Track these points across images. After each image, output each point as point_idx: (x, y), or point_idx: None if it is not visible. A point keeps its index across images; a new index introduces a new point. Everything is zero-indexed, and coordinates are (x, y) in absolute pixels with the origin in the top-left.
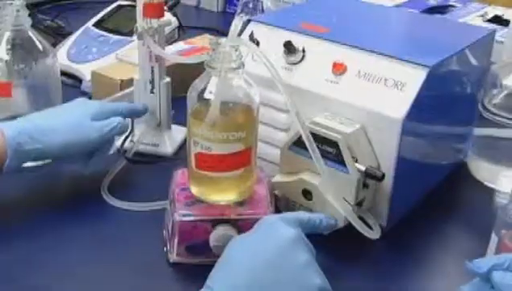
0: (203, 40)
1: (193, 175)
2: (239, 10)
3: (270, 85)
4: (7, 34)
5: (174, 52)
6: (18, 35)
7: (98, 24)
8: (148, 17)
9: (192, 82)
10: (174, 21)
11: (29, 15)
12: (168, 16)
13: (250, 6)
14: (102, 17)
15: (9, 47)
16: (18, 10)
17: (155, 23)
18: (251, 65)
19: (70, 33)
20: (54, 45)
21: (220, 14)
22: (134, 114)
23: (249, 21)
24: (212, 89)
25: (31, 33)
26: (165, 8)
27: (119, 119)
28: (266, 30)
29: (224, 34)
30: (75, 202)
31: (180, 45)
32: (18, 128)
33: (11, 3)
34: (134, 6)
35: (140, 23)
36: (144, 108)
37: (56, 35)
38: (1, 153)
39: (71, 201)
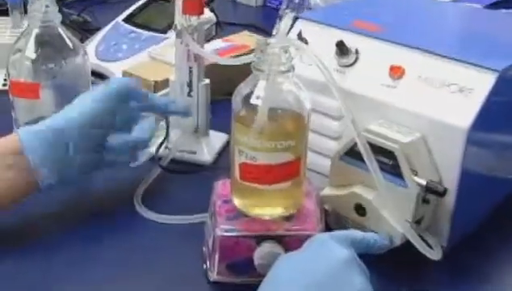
0: (243, 38)
1: (236, 187)
2: (284, 6)
3: (321, 89)
4: (35, 31)
5: (212, 51)
6: (46, 32)
7: (128, 19)
8: (187, 14)
9: (231, 83)
10: (212, 17)
11: (59, 11)
12: (207, 13)
13: (296, 1)
14: (133, 11)
15: (36, 45)
16: (47, 6)
17: (195, 20)
18: (300, 67)
19: (98, 29)
20: (81, 42)
21: (258, 8)
22: (169, 108)
23: (296, 18)
24: (260, 93)
25: (61, 30)
26: None
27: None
28: (316, 28)
29: (264, 31)
30: (106, 214)
31: (218, 43)
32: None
33: None
34: (167, 0)
35: (179, 20)
36: (186, 110)
37: (83, 31)
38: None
39: (101, 213)
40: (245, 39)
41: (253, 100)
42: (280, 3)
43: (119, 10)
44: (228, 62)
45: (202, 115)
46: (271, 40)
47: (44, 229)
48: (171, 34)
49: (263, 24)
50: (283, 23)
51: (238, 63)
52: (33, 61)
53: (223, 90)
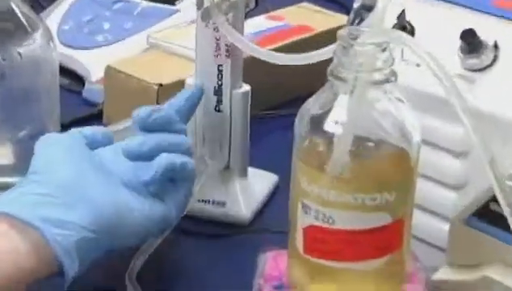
0: (300, 13)
1: (298, 264)
2: None
3: (433, 107)
4: None
5: (252, 36)
6: None
7: None
8: None
9: (281, 89)
10: None
11: None
12: None
13: None
14: None
15: None
16: None
17: None
18: (399, 69)
19: None
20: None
21: None
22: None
23: None
24: (340, 116)
25: (14, 3)
26: None
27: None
28: (427, 8)
29: (334, 2)
30: None
31: (260, 22)
32: None
33: None
34: None
35: None
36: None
37: None
38: None
39: None
40: (305, 15)
41: (328, 126)
42: None
43: None
44: (291, 62)
45: (237, 142)
46: (361, 31)
47: None
48: (184, 5)
49: None
50: (380, 3)
51: (306, 62)
52: None
53: (268, 101)
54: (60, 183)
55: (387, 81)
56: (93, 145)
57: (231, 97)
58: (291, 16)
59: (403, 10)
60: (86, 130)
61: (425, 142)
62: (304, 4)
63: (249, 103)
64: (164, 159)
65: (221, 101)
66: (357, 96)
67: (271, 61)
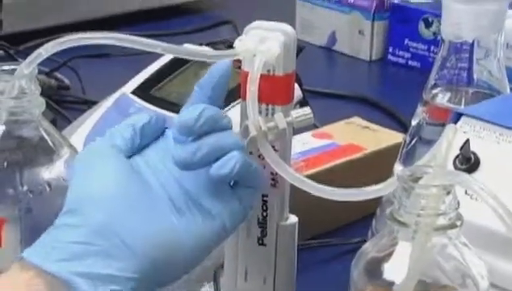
0: (348, 130)
1: None
2: (431, 82)
3: (496, 245)
4: (1, 129)
5: (299, 156)
6: (17, 132)
7: (144, 90)
8: (268, 103)
9: (328, 217)
10: (295, 89)
11: (42, 93)
12: (296, 91)
13: (449, 64)
14: (153, 77)
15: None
16: (24, 92)
17: (281, 120)
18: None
19: (86, 103)
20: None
21: (374, 65)
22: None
23: (459, 116)
24: (400, 263)
25: (44, 128)
26: None
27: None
28: (492, 136)
29: (386, 111)
30: None
31: (307, 140)
32: None
33: (9, 69)
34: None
35: (253, 116)
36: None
37: (58, 105)
38: None
39: None
40: (354, 132)
41: (387, 274)
42: (412, 56)
43: (125, 70)
44: (345, 198)
45: (283, 279)
46: (426, 172)
47: None
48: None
49: (383, 96)
50: (445, 138)
51: (360, 199)
52: None
53: (314, 229)
54: (96, 228)
55: (452, 226)
56: (145, 138)
57: (277, 230)
58: (339, 134)
59: (467, 140)
60: (137, 122)
61: (492, 285)
62: (354, 119)
63: (297, 235)
64: (240, 158)
65: (266, 234)
66: (419, 243)
67: (324, 196)
